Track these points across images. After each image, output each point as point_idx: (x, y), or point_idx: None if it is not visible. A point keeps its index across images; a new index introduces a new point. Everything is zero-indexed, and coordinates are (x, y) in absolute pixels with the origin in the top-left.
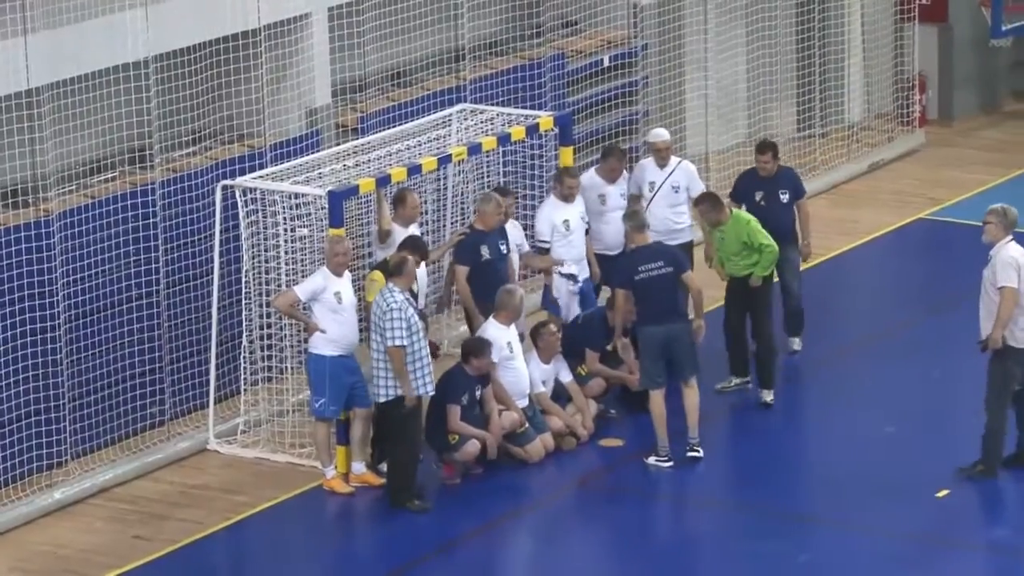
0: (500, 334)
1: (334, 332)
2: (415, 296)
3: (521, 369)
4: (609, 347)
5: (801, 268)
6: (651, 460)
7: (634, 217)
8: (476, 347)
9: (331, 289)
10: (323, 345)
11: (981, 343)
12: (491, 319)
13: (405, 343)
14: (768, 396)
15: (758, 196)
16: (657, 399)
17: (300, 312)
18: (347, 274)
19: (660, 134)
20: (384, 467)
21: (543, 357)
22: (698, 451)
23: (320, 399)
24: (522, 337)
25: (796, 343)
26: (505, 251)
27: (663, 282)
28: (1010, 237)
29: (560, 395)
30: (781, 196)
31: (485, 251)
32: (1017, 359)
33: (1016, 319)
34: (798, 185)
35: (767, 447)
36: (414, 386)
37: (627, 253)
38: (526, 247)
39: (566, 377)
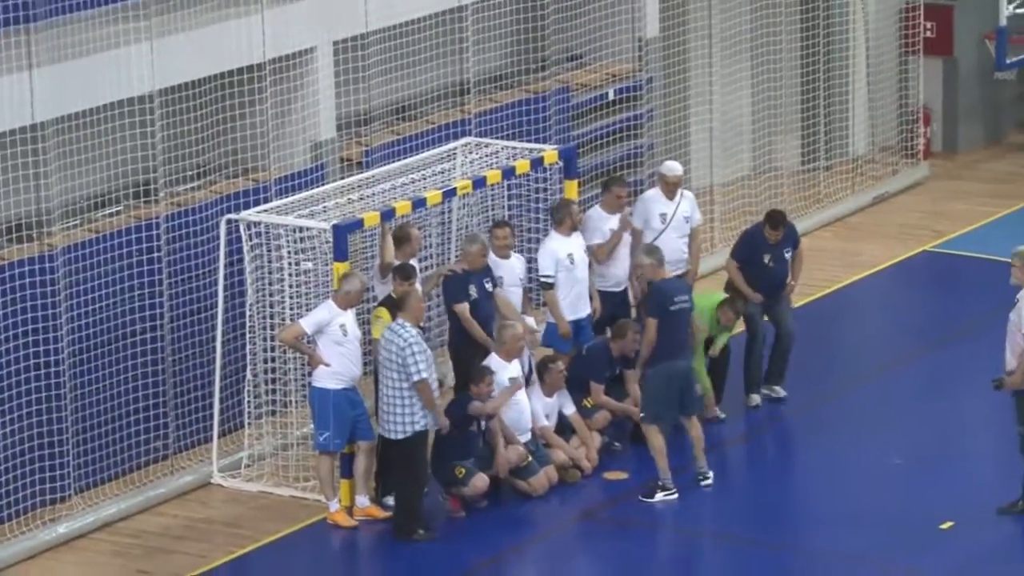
0: (500, 370)
1: (338, 365)
2: (423, 330)
3: (524, 404)
4: (609, 376)
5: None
6: (658, 497)
7: (657, 252)
8: (474, 374)
9: (336, 322)
10: (327, 379)
11: (996, 381)
12: (491, 356)
13: (427, 375)
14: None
15: (767, 259)
16: (658, 432)
17: (305, 345)
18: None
19: (674, 168)
20: (388, 500)
21: (546, 391)
22: (709, 476)
23: (324, 432)
24: (530, 376)
25: (780, 390)
26: (490, 289)
27: (688, 316)
28: None
29: (564, 428)
30: (785, 255)
31: (473, 291)
32: None
33: None
34: (797, 239)
35: (772, 480)
36: (423, 417)
37: (660, 283)
38: (525, 282)
39: (569, 410)
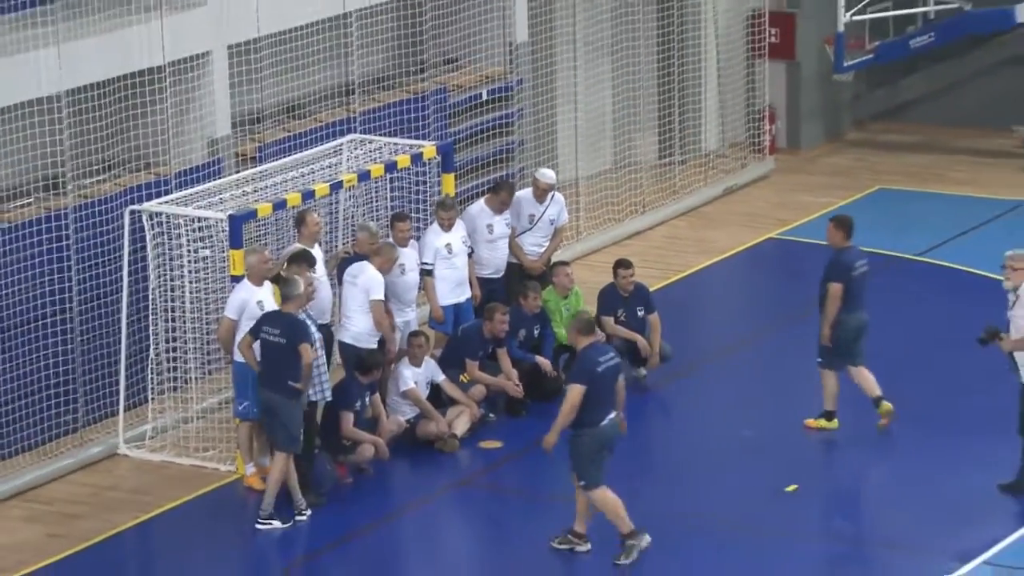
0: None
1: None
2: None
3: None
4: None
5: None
6: (274, 523)
7: (290, 284)
8: (376, 362)
9: (254, 299)
10: None
11: (992, 331)
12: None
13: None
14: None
15: (620, 313)
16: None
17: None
18: (267, 283)
19: (546, 175)
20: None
21: (413, 363)
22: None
23: (244, 402)
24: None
25: (642, 371)
26: None
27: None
28: None
29: (444, 402)
30: (638, 312)
31: None
32: None
33: None
34: (650, 302)
35: (629, 452)
36: (313, 391)
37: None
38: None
39: (439, 377)
